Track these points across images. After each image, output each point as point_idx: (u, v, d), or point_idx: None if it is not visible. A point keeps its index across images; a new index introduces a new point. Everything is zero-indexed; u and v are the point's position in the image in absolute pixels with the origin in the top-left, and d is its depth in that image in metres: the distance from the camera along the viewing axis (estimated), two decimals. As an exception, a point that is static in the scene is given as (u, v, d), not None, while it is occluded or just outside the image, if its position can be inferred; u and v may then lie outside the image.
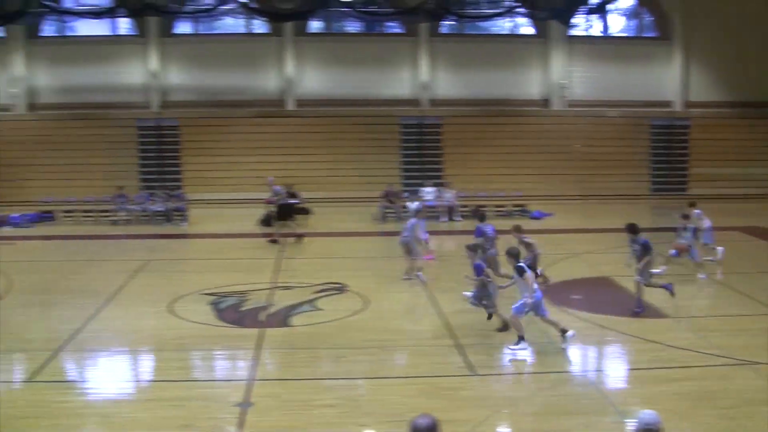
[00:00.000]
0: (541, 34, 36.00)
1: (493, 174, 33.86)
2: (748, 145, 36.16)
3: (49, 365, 14.18)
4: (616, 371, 14.26)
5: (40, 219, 30.13)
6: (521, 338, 14.59)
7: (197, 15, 33.97)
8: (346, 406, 12.08)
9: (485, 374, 13.51)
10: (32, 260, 24.17)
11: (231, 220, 27.74)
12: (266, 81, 35.05)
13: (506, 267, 16.83)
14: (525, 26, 36.80)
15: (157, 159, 34.41)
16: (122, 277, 20.97)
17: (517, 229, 19.16)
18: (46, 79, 35.35)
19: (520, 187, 33.19)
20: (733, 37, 35.88)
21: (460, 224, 29.41)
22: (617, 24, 39.18)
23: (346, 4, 31.00)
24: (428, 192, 31.25)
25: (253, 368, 13.80)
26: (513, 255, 15.24)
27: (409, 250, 20.39)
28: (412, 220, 21.01)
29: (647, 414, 7.48)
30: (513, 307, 14.80)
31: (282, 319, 16.88)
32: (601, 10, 34.75)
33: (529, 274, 14.73)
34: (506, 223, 21.03)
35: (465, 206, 30.42)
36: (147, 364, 15.00)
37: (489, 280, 15.95)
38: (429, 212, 29.61)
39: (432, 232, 26.42)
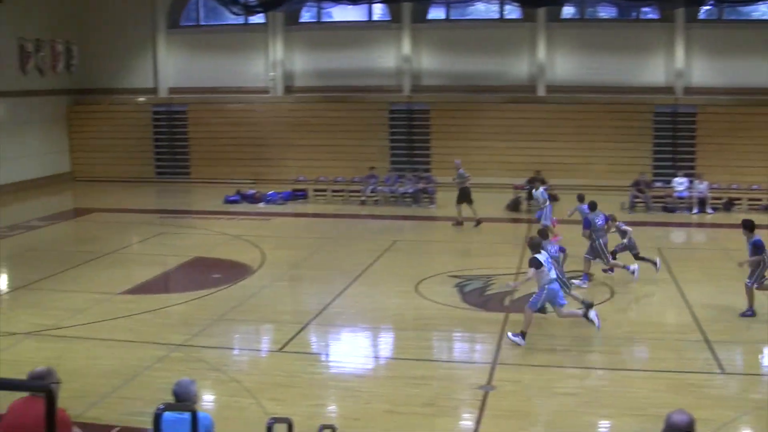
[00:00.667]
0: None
1: (749, 166, 32.29)
2: None
3: (298, 337, 14.73)
4: None
5: (294, 197, 31.28)
6: (524, 333, 14.13)
7: (450, 1, 34.26)
8: (587, 395, 11.89)
9: (733, 373, 12.94)
10: (284, 236, 25.15)
11: (477, 204, 27.71)
12: (517, 67, 34.87)
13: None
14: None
15: (407, 142, 34.96)
16: (370, 256, 21.44)
17: (613, 218, 19.13)
18: (303, 63, 36.62)
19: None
20: None
21: (711, 217, 28.25)
22: None
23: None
24: (680, 183, 30.19)
25: (495, 352, 13.80)
26: (533, 246, 14.73)
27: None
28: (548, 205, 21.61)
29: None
30: (530, 301, 14.57)
31: (525, 305, 16.78)
32: None
33: (543, 266, 14.19)
34: (762, 218, 20.05)
35: (718, 198, 29.22)
36: (391, 342, 15.30)
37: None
38: (680, 203, 28.67)
39: (683, 225, 25.60)
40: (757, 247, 15.86)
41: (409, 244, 24.11)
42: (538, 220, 22.38)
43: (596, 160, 32.79)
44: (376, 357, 14.41)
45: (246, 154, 35.59)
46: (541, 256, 14.43)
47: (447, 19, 35.63)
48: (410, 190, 30.06)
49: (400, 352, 14.35)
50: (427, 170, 32.08)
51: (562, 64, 34.43)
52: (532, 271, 14.38)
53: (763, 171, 31.24)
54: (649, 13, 34.75)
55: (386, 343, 15.35)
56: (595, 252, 18.65)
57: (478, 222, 25.58)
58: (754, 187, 30.07)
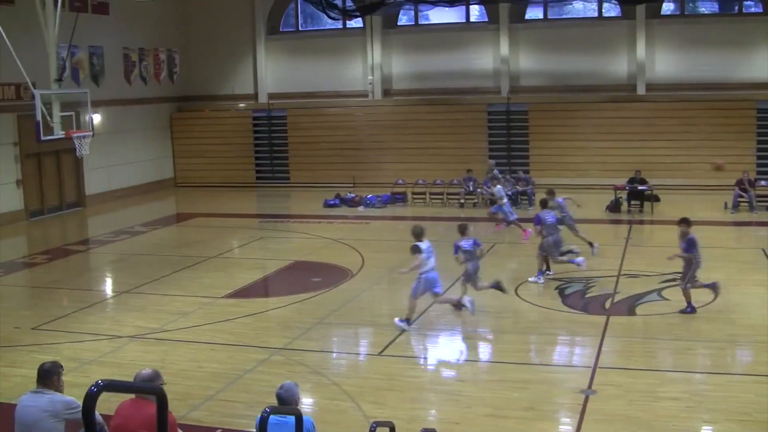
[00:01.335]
0: None
1: None
2: None
3: (397, 340, 14.78)
4: None
5: (393, 200, 31.38)
6: (408, 319, 15.32)
7: (548, 0, 34.00)
8: (691, 400, 11.66)
9: None
10: (383, 240, 25.24)
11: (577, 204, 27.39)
12: (616, 65, 34.40)
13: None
14: None
15: (506, 143, 34.80)
16: (469, 258, 21.38)
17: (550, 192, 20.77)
18: (400, 66, 36.75)
19: None
20: None
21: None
22: None
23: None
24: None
25: (596, 355, 13.65)
26: (416, 234, 15.89)
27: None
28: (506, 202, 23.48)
29: None
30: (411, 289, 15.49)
31: (627, 307, 16.56)
32: None
33: (422, 254, 15.31)
34: None
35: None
36: (490, 345, 15.24)
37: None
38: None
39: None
40: (690, 245, 16.14)
41: (508, 246, 24.00)
42: (494, 215, 24.77)
43: (697, 158, 32.16)
44: (476, 360, 14.37)
45: (344, 157, 35.84)
46: (422, 245, 15.48)
47: (545, 19, 35.37)
48: (509, 192, 29.88)
49: (500, 355, 14.29)
50: (525, 172, 31.85)
51: (662, 61, 33.85)
52: (419, 257, 15.38)
53: None
54: (752, 6, 33.95)
55: (486, 346, 15.30)
56: (543, 249, 19.08)
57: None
58: None
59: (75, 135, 23.02)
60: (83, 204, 32.97)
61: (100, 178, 33.65)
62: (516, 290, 17.83)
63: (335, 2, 33.79)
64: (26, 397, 7.95)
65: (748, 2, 33.71)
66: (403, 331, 15.20)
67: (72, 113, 23.83)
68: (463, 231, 17.07)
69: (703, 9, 34.86)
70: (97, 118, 29.96)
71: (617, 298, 17.16)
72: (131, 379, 8.05)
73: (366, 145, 35.81)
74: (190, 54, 39.07)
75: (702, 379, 12.60)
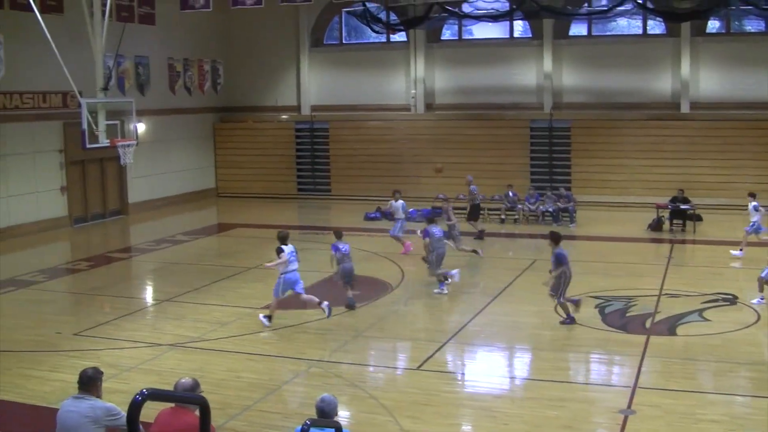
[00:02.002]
0: None
1: None
2: None
3: (436, 355, 14.78)
4: None
5: (433, 214, 31.27)
6: (269, 317, 16.85)
7: (593, 16, 33.83)
8: (731, 423, 11.54)
9: None
10: (422, 253, 25.14)
11: (618, 223, 27.33)
12: (660, 83, 34.16)
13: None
14: None
15: (547, 159, 34.68)
16: (509, 274, 21.35)
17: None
18: (443, 80, 36.76)
19: None
20: None
21: None
22: None
23: (748, 2, 29.50)
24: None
25: (635, 375, 13.55)
26: (280, 238, 17.21)
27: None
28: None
29: None
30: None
31: (668, 327, 16.43)
32: None
33: (284, 253, 16.67)
34: None
35: None
36: (528, 362, 15.19)
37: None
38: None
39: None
40: (559, 260, 16.62)
41: (549, 263, 23.84)
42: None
43: (741, 178, 31.79)
44: (514, 377, 14.32)
45: (386, 171, 35.85)
46: (287, 248, 16.83)
47: (589, 35, 35.21)
48: (550, 209, 29.77)
49: (538, 372, 14.22)
50: (567, 188, 31.69)
51: (706, 79, 33.59)
52: (282, 257, 16.73)
53: None
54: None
55: (524, 363, 15.26)
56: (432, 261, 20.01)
57: (480, 234, 27.12)
58: None
59: (119, 143, 23.25)
60: (126, 212, 33.28)
61: (143, 186, 33.95)
62: (555, 308, 17.73)
63: (379, 16, 33.94)
64: (68, 402, 8.03)
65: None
66: (265, 326, 16.72)
67: (117, 122, 24.06)
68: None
69: (749, 27, 34.51)
70: (141, 127, 30.24)
71: (658, 317, 17.03)
72: (170, 387, 8.13)
73: (407, 158, 35.83)
74: (234, 65, 39.36)
75: (744, 402, 12.47)
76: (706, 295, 18.50)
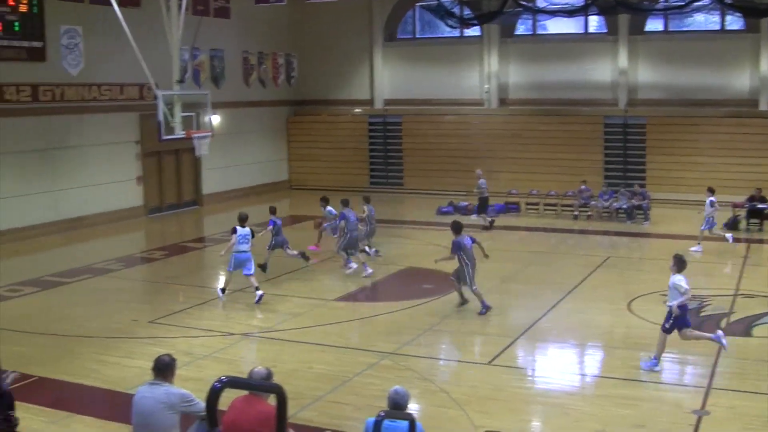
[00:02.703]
0: None
1: None
2: None
3: (507, 351, 14.73)
4: None
5: (506, 209, 31.21)
6: (224, 290, 18.91)
7: (669, 12, 33.33)
8: (809, 425, 11.34)
9: None
10: (496, 249, 25.06)
11: (692, 221, 26.89)
12: (738, 80, 33.54)
13: None
14: None
15: (622, 156, 34.31)
16: (582, 271, 21.19)
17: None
18: (517, 75, 36.56)
19: None
20: None
21: None
22: None
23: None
24: None
25: (709, 376, 13.35)
26: (240, 219, 18.83)
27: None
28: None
29: None
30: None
31: (744, 328, 16.16)
32: None
33: (235, 235, 18.47)
34: None
35: None
36: (600, 360, 15.06)
37: None
38: None
39: None
40: (453, 246, 17.78)
41: (622, 260, 23.65)
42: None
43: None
44: (585, 374, 14.21)
45: (458, 165, 35.75)
46: (241, 230, 18.49)
47: (665, 31, 34.73)
48: (624, 206, 29.45)
49: (610, 370, 14.07)
50: (641, 185, 31.30)
51: (786, 76, 32.93)
52: (233, 237, 18.52)
53: None
54: None
55: (595, 360, 15.13)
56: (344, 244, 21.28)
57: (490, 225, 28.13)
58: None
59: (195, 135, 23.51)
60: (200, 202, 33.70)
61: (217, 177, 34.33)
62: (629, 305, 17.57)
63: (453, 10, 33.82)
64: (144, 388, 8.17)
65: None
66: (219, 299, 18.70)
67: (192, 114, 24.35)
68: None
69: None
70: (216, 119, 30.55)
71: (733, 318, 16.76)
72: (243, 376, 8.23)
73: (480, 153, 35.68)
74: (308, 58, 39.59)
75: (821, 404, 12.23)
76: (784, 295, 18.17)
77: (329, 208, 24.19)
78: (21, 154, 26.18)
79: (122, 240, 27.28)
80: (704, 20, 34.36)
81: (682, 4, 31.05)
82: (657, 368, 13.64)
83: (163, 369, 8.21)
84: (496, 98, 36.47)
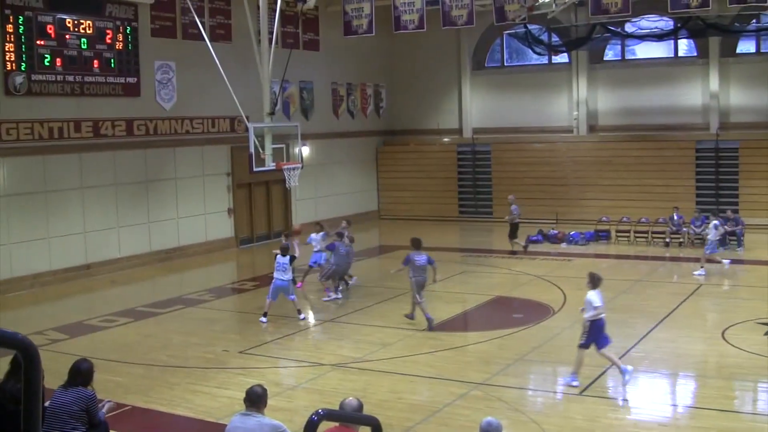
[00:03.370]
0: None
1: None
2: None
3: (598, 380, 14.55)
4: None
5: (596, 237, 30.90)
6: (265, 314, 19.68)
7: (761, 33, 32.80)
8: None
9: None
10: (584, 277, 24.80)
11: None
12: (836, 101, 32.85)
13: None
14: None
15: (714, 182, 33.73)
16: (674, 299, 20.86)
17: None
18: (606, 101, 36.28)
19: None
20: None
21: None
22: None
23: None
24: None
25: (809, 406, 13.02)
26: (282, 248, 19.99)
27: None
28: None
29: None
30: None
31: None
32: None
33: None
34: None
35: None
36: (693, 390, 14.78)
37: None
38: None
39: None
40: (405, 259, 19.20)
41: (716, 288, 23.23)
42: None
43: None
44: (678, 405, 13.96)
45: (548, 193, 35.59)
46: (282, 258, 19.62)
47: (757, 53, 34.14)
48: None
49: (704, 401, 13.80)
50: (735, 211, 30.71)
51: None
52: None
53: None
54: None
55: (689, 390, 14.85)
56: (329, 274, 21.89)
57: (525, 247, 28.94)
58: None
59: (285, 167, 23.78)
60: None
61: (307, 208, 34.66)
62: (723, 334, 17.24)
63: (541, 37, 33.82)
64: (236, 419, 8.29)
65: None
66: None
67: (283, 145, 24.64)
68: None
69: None
70: (306, 151, 30.90)
71: (834, 347, 16.33)
72: (333, 407, 8.30)
73: (570, 180, 35.49)
74: (397, 88, 39.90)
75: None
76: None
77: (314, 235, 24.27)
78: (116, 187, 26.79)
79: (214, 271, 27.71)
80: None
81: (775, 25, 30.60)
82: (575, 383, 14.14)
83: (256, 400, 8.34)
84: (586, 125, 36.22)
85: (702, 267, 24.29)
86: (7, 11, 23.28)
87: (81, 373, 9.29)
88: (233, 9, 29.99)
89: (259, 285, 24.36)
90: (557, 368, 15.96)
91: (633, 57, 36.32)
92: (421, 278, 18.82)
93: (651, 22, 32.95)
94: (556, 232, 31.29)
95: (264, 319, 19.59)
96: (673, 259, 27.76)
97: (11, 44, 23.39)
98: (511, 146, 37.14)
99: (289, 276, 19.74)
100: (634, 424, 12.91)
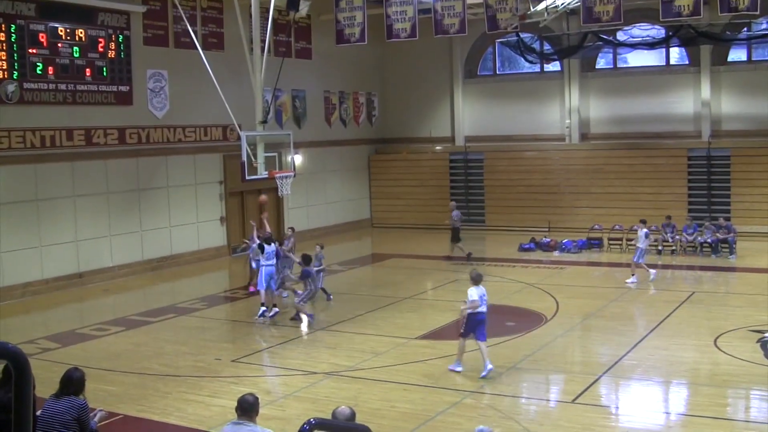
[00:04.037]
0: None
1: None
2: None
3: (591, 389, 14.55)
4: None
5: (589, 245, 30.93)
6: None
7: (753, 41, 32.90)
8: None
9: None
10: (578, 285, 24.90)
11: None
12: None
13: None
14: None
15: (706, 189, 33.79)
16: (667, 307, 20.88)
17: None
18: (598, 110, 36.34)
19: None
20: None
21: None
22: None
23: None
24: None
25: (801, 413, 13.04)
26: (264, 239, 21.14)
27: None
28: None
29: None
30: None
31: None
32: None
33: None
34: None
35: None
36: (686, 398, 14.79)
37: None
38: None
39: None
40: (302, 274, 20.57)
41: (708, 295, 23.24)
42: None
43: None
44: (671, 413, 13.97)
45: (540, 201, 35.64)
46: (268, 247, 20.90)
47: (749, 61, 34.24)
48: (709, 240, 28.99)
49: (696, 408, 13.82)
50: (727, 219, 30.78)
51: None
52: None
53: None
54: None
55: (681, 398, 14.87)
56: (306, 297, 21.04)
57: (469, 255, 29.00)
58: None
59: (278, 175, 23.79)
60: (282, 242, 33.94)
61: (300, 216, 34.62)
62: (715, 341, 17.26)
63: (533, 46, 33.88)
64: (228, 428, 8.28)
65: None
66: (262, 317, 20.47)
67: (275, 154, 24.68)
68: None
69: None
70: (298, 159, 30.90)
71: (826, 354, 16.36)
72: (325, 415, 8.28)
73: (562, 189, 35.55)
74: (389, 97, 39.96)
75: None
76: None
77: (253, 245, 23.77)
78: (109, 195, 26.75)
79: (206, 279, 27.67)
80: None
81: (766, 32, 30.71)
82: (459, 369, 15.52)
83: (248, 408, 8.33)
84: (578, 133, 36.28)
85: (633, 275, 24.47)
86: (-1, 20, 23.29)
87: (73, 382, 9.26)
88: (225, 18, 30.01)
89: (251, 293, 24.32)
90: (550, 376, 15.99)
91: (625, 65, 36.41)
92: (314, 289, 20.65)
93: (642, 31, 33.05)
94: (548, 240, 31.35)
95: (267, 314, 20.52)
96: (665, 266, 27.77)
97: (3, 53, 23.35)
98: (503, 154, 37.18)
99: (273, 261, 20.87)
100: (625, 430, 12.91)
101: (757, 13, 24.83)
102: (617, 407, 14.27)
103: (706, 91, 33.94)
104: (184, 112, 29.03)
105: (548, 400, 14.63)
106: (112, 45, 26.29)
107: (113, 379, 15.80)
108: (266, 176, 23.49)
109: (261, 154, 22.98)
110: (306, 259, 21.03)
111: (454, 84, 38.51)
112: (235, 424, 8.27)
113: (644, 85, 35.12)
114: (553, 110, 36.99)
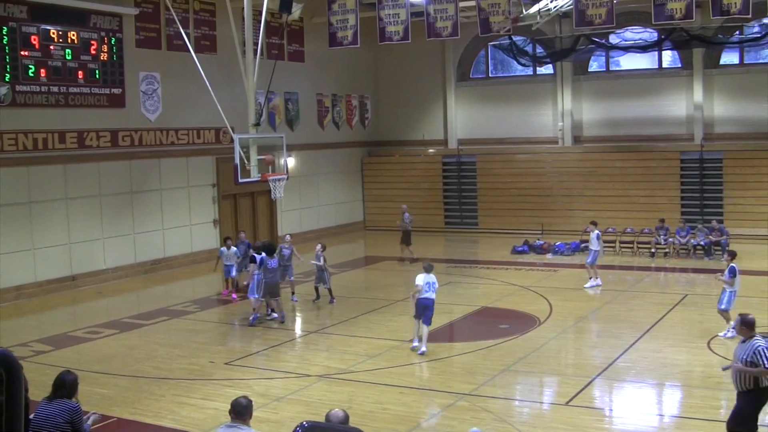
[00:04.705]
0: None
1: None
2: None
3: (584, 391, 14.55)
4: None
5: (582, 248, 30.91)
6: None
7: (745, 44, 32.94)
8: None
9: None
10: (571, 288, 24.88)
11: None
12: (819, 112, 33.01)
13: None
14: None
15: (699, 192, 33.83)
16: (660, 309, 20.92)
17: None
18: (591, 113, 36.37)
19: None
20: None
21: None
22: None
23: None
24: None
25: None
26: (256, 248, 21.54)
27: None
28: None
29: None
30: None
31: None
32: None
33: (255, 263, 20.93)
34: None
35: None
36: (680, 400, 14.80)
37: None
38: None
39: None
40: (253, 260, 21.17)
41: (701, 298, 23.23)
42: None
43: None
44: (664, 415, 13.98)
45: (533, 204, 35.67)
46: (258, 257, 20.91)
47: (741, 64, 34.30)
48: (702, 242, 29.03)
49: (689, 410, 13.84)
50: (719, 221, 30.82)
51: None
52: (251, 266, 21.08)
53: None
54: None
55: (675, 400, 14.88)
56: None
57: (414, 260, 28.80)
58: None
59: (271, 178, 23.73)
60: (276, 244, 33.93)
61: (293, 219, 34.62)
62: (708, 344, 17.28)
63: (526, 49, 33.88)
64: (222, 431, 8.25)
65: None
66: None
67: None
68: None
69: None
70: (291, 162, 30.86)
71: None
72: (319, 418, 8.27)
73: (555, 191, 35.58)
74: (382, 100, 39.96)
75: None
76: None
77: (223, 248, 25.00)
78: (101, 198, 26.70)
79: (199, 282, 27.59)
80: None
81: (758, 36, 30.75)
82: (416, 344, 17.34)
83: (241, 411, 8.31)
84: (570, 136, 36.31)
85: (590, 278, 24.63)
86: (-9, 22, 23.25)
87: (65, 385, 9.24)
88: (218, 20, 29.99)
89: (244, 296, 24.29)
90: (543, 378, 15.98)
91: (617, 68, 36.45)
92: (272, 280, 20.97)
93: (635, 34, 33.09)
94: (541, 242, 31.38)
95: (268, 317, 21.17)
96: (658, 269, 27.82)
97: (-5, 55, 23.35)
98: (496, 157, 37.19)
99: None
100: (618, 433, 12.94)
101: (749, 16, 24.90)
102: (611, 409, 14.27)
103: (698, 94, 33.99)
104: (176, 114, 29.00)
105: (542, 403, 14.62)
106: (105, 47, 26.25)
107: (106, 382, 15.77)
108: (259, 179, 23.45)
109: (254, 157, 22.94)
110: (268, 249, 21.48)
111: (447, 87, 38.52)
112: (228, 427, 8.25)
113: (637, 88, 35.16)
114: (545, 113, 37.01)
